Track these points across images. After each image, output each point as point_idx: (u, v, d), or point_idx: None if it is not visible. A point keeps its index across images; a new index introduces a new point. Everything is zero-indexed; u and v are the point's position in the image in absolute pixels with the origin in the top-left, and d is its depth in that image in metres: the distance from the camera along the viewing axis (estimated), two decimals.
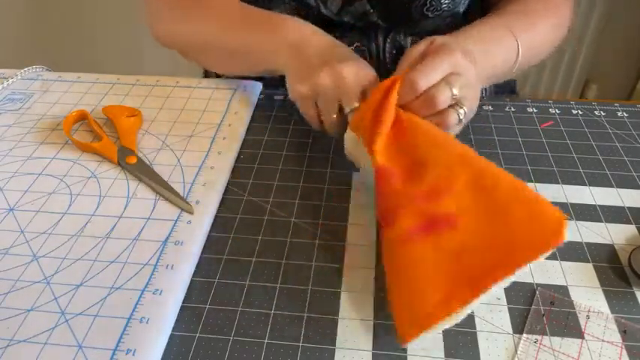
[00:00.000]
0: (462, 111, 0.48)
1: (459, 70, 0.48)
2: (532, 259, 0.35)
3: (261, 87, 0.65)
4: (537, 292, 0.41)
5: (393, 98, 0.46)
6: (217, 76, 0.78)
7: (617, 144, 0.56)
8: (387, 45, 0.67)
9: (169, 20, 0.66)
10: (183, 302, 0.41)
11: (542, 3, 0.62)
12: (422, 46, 0.50)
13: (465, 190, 0.40)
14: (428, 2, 0.62)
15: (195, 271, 0.44)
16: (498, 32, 0.56)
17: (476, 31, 0.56)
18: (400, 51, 0.67)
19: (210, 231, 0.47)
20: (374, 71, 0.52)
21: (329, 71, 0.50)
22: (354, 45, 0.67)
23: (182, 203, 0.48)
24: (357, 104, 0.49)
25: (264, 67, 0.58)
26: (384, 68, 0.68)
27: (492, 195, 0.39)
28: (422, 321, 0.35)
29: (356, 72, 0.50)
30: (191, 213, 0.47)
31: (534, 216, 0.37)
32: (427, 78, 0.46)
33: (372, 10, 0.63)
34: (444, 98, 0.46)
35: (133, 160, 0.53)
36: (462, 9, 0.67)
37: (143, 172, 0.51)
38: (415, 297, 0.36)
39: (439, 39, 0.50)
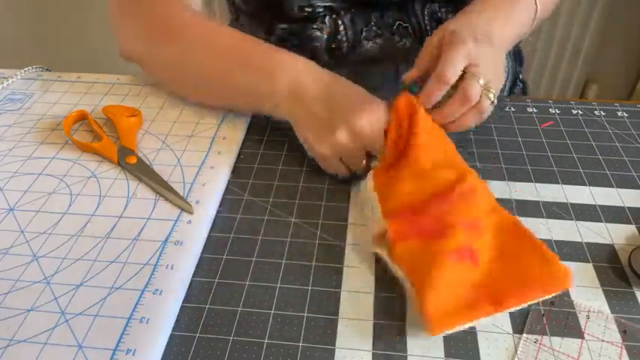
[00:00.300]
0: (491, 95, 0.50)
1: (476, 61, 0.49)
2: (541, 297, 0.40)
3: None
4: None
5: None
6: None
7: (617, 144, 0.56)
8: (426, 18, 0.68)
9: (145, 42, 0.59)
10: (183, 302, 0.41)
11: None
12: (436, 37, 0.51)
13: (489, 232, 0.43)
14: None
15: (195, 271, 0.44)
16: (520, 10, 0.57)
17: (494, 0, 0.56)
18: (439, 23, 0.68)
19: (210, 231, 0.47)
20: (382, 104, 0.51)
21: (345, 128, 0.49)
22: (397, 23, 0.67)
23: (182, 203, 0.48)
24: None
25: (258, 109, 0.55)
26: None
27: (510, 239, 0.43)
28: (454, 317, 0.38)
29: (369, 120, 0.49)
30: (191, 213, 0.47)
31: (545, 264, 0.40)
32: (447, 77, 0.48)
33: None
34: (475, 92, 0.48)
35: (133, 160, 0.53)
36: None
37: (143, 172, 0.51)
38: (449, 298, 0.39)
39: (451, 26, 0.51)
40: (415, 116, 0.49)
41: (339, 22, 0.67)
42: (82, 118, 0.59)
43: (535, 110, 0.61)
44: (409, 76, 0.52)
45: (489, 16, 0.54)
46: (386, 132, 0.49)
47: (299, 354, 0.38)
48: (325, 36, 0.68)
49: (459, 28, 0.51)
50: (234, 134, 0.57)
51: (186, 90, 0.61)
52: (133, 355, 0.37)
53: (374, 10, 0.67)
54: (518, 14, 0.56)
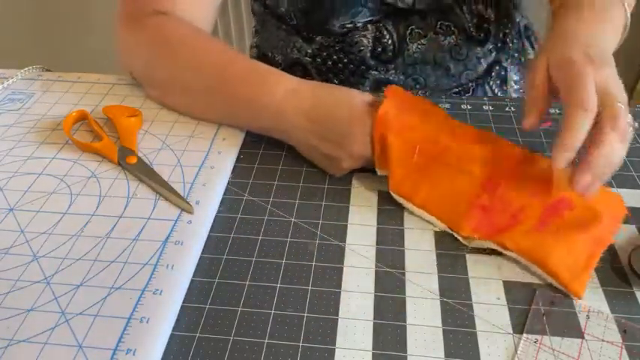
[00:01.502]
0: (630, 119, 0.43)
1: (604, 86, 0.43)
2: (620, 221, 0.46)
3: None
4: (537, 292, 0.41)
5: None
6: None
7: None
8: (467, 15, 0.68)
9: (148, 57, 0.60)
10: (183, 302, 0.41)
11: None
12: (540, 73, 0.46)
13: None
14: None
15: (195, 271, 0.44)
16: (607, 8, 0.51)
17: (586, 13, 0.50)
18: (482, 19, 0.68)
19: (210, 231, 0.47)
20: (366, 106, 0.50)
21: (347, 158, 0.50)
22: (439, 23, 0.67)
23: (182, 203, 0.48)
24: None
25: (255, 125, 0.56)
26: (470, 40, 0.69)
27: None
28: (585, 270, 0.42)
29: (365, 136, 0.49)
30: (191, 213, 0.47)
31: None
32: (590, 104, 0.42)
33: None
34: (623, 120, 0.42)
35: (133, 160, 0.53)
36: None
37: (143, 172, 0.51)
38: (570, 256, 0.43)
39: (557, 52, 0.46)
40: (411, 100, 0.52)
41: (382, 27, 0.68)
42: (82, 118, 0.59)
43: None
44: (530, 123, 0.47)
45: (592, 33, 0.48)
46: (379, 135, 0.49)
47: (299, 354, 0.38)
48: (370, 42, 0.68)
49: (567, 53, 0.45)
50: (235, 134, 0.57)
51: (181, 106, 0.60)
52: (133, 355, 0.37)
53: (414, 14, 0.67)
54: (615, 24, 0.51)
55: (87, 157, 0.54)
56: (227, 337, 0.39)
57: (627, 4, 0.53)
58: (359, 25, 0.67)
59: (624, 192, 0.50)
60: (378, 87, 0.71)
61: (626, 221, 0.47)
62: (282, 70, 0.55)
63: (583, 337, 0.38)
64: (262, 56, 0.79)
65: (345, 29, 0.68)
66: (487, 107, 0.61)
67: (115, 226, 0.47)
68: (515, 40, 0.75)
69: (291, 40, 0.73)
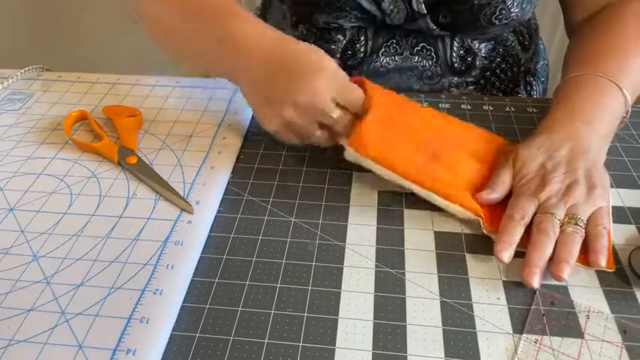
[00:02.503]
0: (578, 221, 0.44)
1: (551, 193, 0.45)
2: None
3: None
4: (537, 292, 0.41)
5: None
6: None
7: (617, 144, 0.56)
8: (455, 45, 0.67)
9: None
10: (183, 302, 0.41)
11: (635, 19, 0.58)
12: (507, 173, 0.48)
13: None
14: (497, 11, 0.61)
15: (195, 271, 0.44)
16: (601, 94, 0.52)
17: (578, 105, 0.51)
18: (469, 51, 0.67)
19: (210, 231, 0.47)
20: (330, 70, 0.48)
21: (290, 105, 0.48)
22: (420, 45, 0.67)
23: (182, 203, 0.48)
24: (335, 113, 0.48)
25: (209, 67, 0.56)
26: (450, 69, 0.68)
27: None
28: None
29: (312, 91, 0.47)
30: (191, 213, 0.47)
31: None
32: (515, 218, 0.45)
33: (434, 28, 0.64)
34: (548, 226, 0.44)
35: (133, 160, 0.53)
36: (528, 16, 0.67)
37: (143, 172, 0.51)
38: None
39: (523, 152, 0.49)
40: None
41: (362, 32, 0.67)
42: (82, 118, 0.59)
43: (535, 110, 0.61)
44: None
45: (574, 134, 0.49)
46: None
47: (299, 354, 0.38)
48: (344, 42, 0.68)
49: (530, 157, 0.48)
50: (235, 134, 0.57)
51: (169, 47, 0.58)
52: (133, 355, 0.37)
53: (400, 34, 0.67)
54: (607, 115, 0.51)
55: (87, 157, 0.54)
56: (227, 337, 0.39)
57: (627, 92, 0.52)
58: (345, 28, 0.67)
59: (624, 192, 0.50)
60: None
61: (626, 221, 0.47)
62: None
63: (583, 337, 0.38)
64: None
65: (331, 27, 0.67)
66: (487, 107, 0.61)
67: (115, 226, 0.47)
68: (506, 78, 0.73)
69: (284, 22, 0.73)
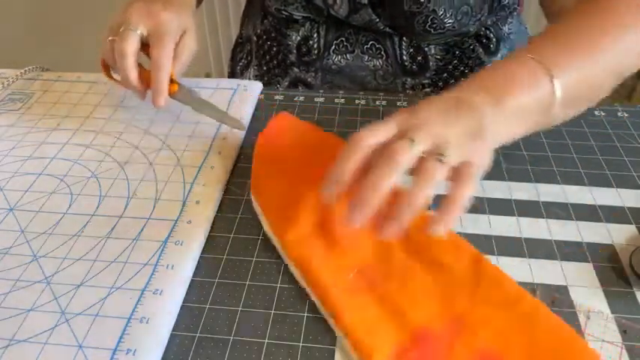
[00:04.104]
0: (442, 157, 0.37)
1: (413, 123, 0.38)
2: None
3: (261, 87, 0.65)
4: (537, 292, 0.41)
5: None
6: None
7: (617, 144, 0.56)
8: (404, 44, 0.67)
9: None
10: (183, 302, 0.41)
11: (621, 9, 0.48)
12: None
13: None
14: (430, 20, 0.61)
15: (195, 271, 0.44)
16: (520, 71, 0.44)
17: (487, 74, 0.44)
18: (419, 51, 0.67)
19: (210, 231, 0.47)
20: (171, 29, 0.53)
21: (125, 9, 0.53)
22: (370, 43, 0.67)
23: (232, 121, 0.55)
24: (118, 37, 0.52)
25: None
26: (402, 69, 0.68)
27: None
28: None
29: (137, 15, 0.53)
30: (243, 129, 0.55)
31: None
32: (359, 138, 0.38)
33: (377, 20, 0.63)
34: (399, 146, 0.37)
35: (174, 88, 0.55)
36: (472, 29, 0.65)
37: (187, 98, 0.55)
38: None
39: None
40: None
41: (315, 28, 0.68)
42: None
43: None
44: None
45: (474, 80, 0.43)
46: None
47: (299, 354, 0.38)
48: (298, 38, 0.69)
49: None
50: (235, 134, 0.57)
51: None
52: (133, 355, 0.37)
53: (350, 29, 0.66)
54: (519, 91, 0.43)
55: (87, 157, 0.54)
56: (227, 337, 0.39)
57: (558, 81, 0.43)
58: (297, 17, 0.67)
59: (624, 192, 0.50)
60: (295, 85, 0.72)
61: (626, 221, 0.47)
62: (241, 43, 0.64)
63: (583, 337, 0.38)
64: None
65: (282, 15, 0.68)
66: None
67: (115, 226, 0.47)
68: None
69: (255, 20, 0.75)
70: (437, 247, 0.42)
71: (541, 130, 0.47)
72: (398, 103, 0.62)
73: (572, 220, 0.48)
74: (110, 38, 0.54)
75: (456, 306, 0.39)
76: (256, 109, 0.62)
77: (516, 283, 0.40)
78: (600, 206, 0.49)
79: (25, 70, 0.67)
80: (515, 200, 0.50)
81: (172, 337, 0.39)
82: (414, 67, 0.67)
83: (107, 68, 0.59)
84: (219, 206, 0.50)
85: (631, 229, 0.47)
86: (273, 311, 0.41)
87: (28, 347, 0.38)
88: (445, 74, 0.68)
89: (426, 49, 0.67)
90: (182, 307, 0.41)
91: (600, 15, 0.49)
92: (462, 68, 0.69)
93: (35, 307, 0.40)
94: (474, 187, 0.37)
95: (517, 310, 0.38)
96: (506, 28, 0.71)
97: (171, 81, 0.54)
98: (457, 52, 0.68)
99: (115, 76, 0.58)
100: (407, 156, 0.36)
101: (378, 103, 0.62)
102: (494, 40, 0.69)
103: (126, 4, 0.55)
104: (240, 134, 0.57)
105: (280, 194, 0.46)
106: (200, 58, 1.50)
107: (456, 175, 0.38)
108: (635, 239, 0.46)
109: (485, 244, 0.45)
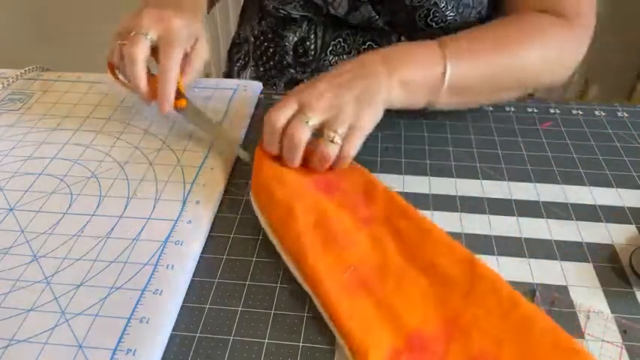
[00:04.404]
0: (334, 137, 0.46)
1: (308, 100, 0.47)
2: None
3: (261, 87, 0.65)
4: (537, 292, 0.41)
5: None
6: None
7: (617, 144, 0.56)
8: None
9: None
10: (183, 302, 0.41)
11: (531, 24, 0.56)
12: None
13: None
14: (431, 13, 0.61)
15: (195, 271, 0.44)
16: (422, 51, 0.52)
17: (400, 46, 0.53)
18: None
19: (210, 231, 0.47)
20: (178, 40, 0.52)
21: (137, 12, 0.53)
22: (367, 44, 0.66)
23: (238, 150, 0.53)
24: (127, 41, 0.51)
25: None
26: None
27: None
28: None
29: (151, 20, 0.52)
30: (247, 162, 0.52)
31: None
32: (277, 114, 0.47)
33: (377, 17, 0.63)
34: (297, 131, 0.46)
35: (182, 103, 0.54)
36: (472, 20, 0.65)
37: (193, 115, 0.54)
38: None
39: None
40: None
41: (313, 29, 0.67)
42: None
43: (535, 110, 0.61)
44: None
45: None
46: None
47: (299, 354, 0.38)
48: (295, 39, 0.68)
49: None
50: (235, 135, 0.57)
51: None
52: (133, 355, 0.37)
53: (347, 29, 0.66)
54: (414, 67, 0.51)
55: (87, 157, 0.54)
56: (227, 337, 0.39)
57: (450, 66, 0.51)
58: (295, 16, 0.67)
59: (624, 192, 0.50)
60: (292, 86, 0.71)
61: (626, 221, 0.47)
62: (238, 44, 0.65)
63: (583, 337, 0.38)
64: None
65: (280, 14, 0.68)
66: (487, 107, 0.61)
67: (114, 226, 0.47)
68: None
69: (254, 19, 0.75)
70: (432, 249, 0.42)
71: (429, 107, 0.54)
72: None
73: (572, 220, 0.48)
74: (119, 42, 0.53)
75: (451, 308, 0.39)
76: (256, 109, 0.62)
77: (511, 287, 0.39)
78: (600, 206, 0.49)
79: (25, 70, 0.67)
80: (515, 200, 0.50)
81: (172, 337, 0.39)
82: None
83: (113, 69, 0.59)
84: (219, 206, 0.50)
85: (631, 229, 0.47)
86: (273, 311, 0.41)
87: (28, 347, 0.38)
88: None
89: None
90: (182, 307, 0.41)
91: (523, 24, 0.56)
92: None
93: (35, 307, 0.40)
94: (355, 150, 0.47)
95: (513, 314, 0.38)
96: None
97: (180, 95, 0.53)
98: None
99: (120, 77, 0.58)
100: (304, 135, 0.46)
101: None
102: None
103: (137, 9, 0.54)
104: (241, 134, 0.57)
105: (278, 195, 0.46)
106: None
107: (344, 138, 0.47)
108: (635, 239, 0.46)
109: (485, 244, 0.45)
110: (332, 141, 0.46)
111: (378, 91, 0.49)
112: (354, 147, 0.47)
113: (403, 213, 0.45)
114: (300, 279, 0.42)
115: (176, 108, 0.53)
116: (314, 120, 0.46)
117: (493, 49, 0.54)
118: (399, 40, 0.66)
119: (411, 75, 0.51)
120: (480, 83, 0.54)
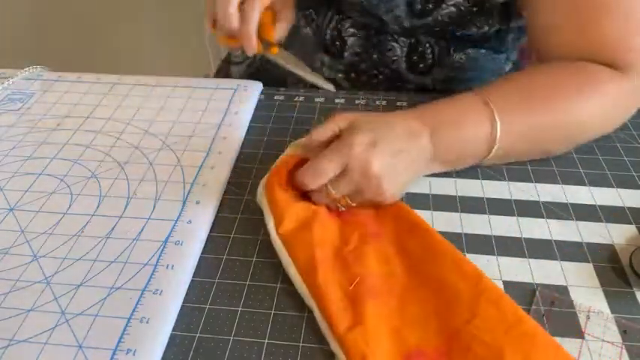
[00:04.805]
0: (344, 203, 0.46)
1: (352, 166, 0.44)
2: None
3: (261, 87, 0.65)
4: (537, 292, 0.41)
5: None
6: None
7: (617, 144, 0.56)
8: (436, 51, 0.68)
9: None
10: (183, 302, 0.41)
11: (576, 75, 0.50)
12: (329, 128, 0.47)
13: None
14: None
15: (195, 271, 0.44)
16: (469, 112, 0.48)
17: (440, 106, 0.49)
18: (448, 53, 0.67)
19: (210, 231, 0.47)
20: None
21: None
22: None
23: (325, 85, 0.60)
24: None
25: None
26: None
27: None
28: None
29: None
30: (332, 90, 0.60)
31: None
32: (315, 180, 0.45)
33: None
34: (318, 199, 0.46)
35: (274, 51, 0.59)
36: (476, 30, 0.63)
37: (285, 60, 0.60)
38: None
39: (349, 120, 0.47)
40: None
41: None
42: None
43: None
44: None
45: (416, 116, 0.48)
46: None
47: (299, 354, 0.38)
48: (405, 49, 0.67)
49: (357, 124, 0.46)
50: (235, 134, 0.57)
51: None
52: (133, 355, 0.37)
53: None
54: (458, 134, 0.48)
55: (87, 157, 0.54)
56: (227, 337, 0.39)
57: (500, 122, 0.47)
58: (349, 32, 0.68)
59: (624, 192, 0.50)
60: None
61: (626, 221, 0.47)
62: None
63: (583, 337, 0.38)
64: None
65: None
66: None
67: (114, 226, 0.47)
68: None
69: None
70: (439, 265, 0.42)
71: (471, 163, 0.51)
72: (398, 103, 0.62)
73: (572, 220, 0.48)
74: None
75: (454, 324, 0.38)
76: (256, 109, 0.62)
77: (516, 304, 0.39)
78: (600, 206, 0.49)
79: (25, 70, 0.67)
80: (515, 200, 0.50)
81: (172, 337, 0.39)
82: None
83: (214, 24, 0.60)
84: (219, 206, 0.50)
85: (631, 229, 0.47)
86: (273, 311, 0.41)
87: (28, 347, 0.38)
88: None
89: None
90: (182, 307, 0.41)
91: (579, 77, 0.50)
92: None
93: (35, 307, 0.40)
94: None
95: (515, 332, 0.37)
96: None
97: (272, 44, 0.59)
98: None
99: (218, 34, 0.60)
100: (320, 201, 0.46)
101: (378, 102, 0.62)
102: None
103: None
104: (241, 135, 0.57)
105: (293, 202, 0.46)
106: (200, 58, 1.51)
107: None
108: (635, 239, 0.46)
109: (485, 244, 0.45)
110: (341, 205, 0.46)
111: (416, 170, 0.48)
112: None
113: (412, 228, 0.45)
114: (301, 287, 0.41)
115: (269, 54, 0.60)
116: (341, 193, 0.45)
117: (544, 107, 0.49)
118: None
119: (456, 154, 0.49)
120: (527, 150, 0.51)
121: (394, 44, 0.67)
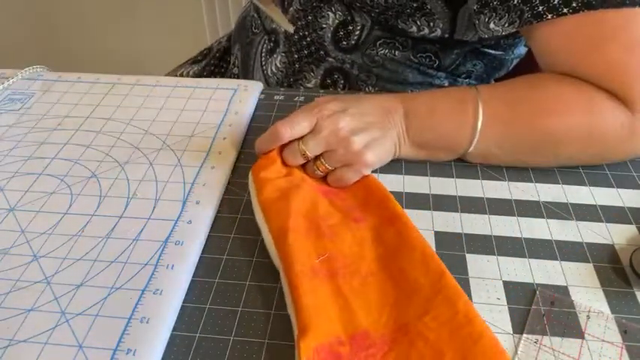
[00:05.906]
0: (323, 169, 0.49)
1: (321, 124, 0.48)
2: None
3: (261, 87, 0.65)
4: (537, 292, 0.41)
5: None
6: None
7: None
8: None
9: None
10: (183, 302, 0.41)
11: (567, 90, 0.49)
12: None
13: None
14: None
15: (195, 271, 0.44)
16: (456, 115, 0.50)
17: (423, 94, 0.52)
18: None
19: (210, 231, 0.47)
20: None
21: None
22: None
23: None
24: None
25: None
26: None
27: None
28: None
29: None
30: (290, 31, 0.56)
31: None
32: (286, 129, 0.48)
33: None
34: (291, 155, 0.49)
35: None
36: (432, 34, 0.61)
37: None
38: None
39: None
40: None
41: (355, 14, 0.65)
42: None
43: None
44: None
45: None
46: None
47: None
48: (336, 21, 0.66)
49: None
50: (235, 134, 0.57)
51: None
52: (133, 355, 0.37)
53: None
54: (440, 122, 0.50)
55: (87, 157, 0.54)
56: (227, 337, 0.39)
57: (483, 108, 0.49)
58: None
59: (624, 192, 0.50)
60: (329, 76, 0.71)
61: (626, 221, 0.47)
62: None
63: (583, 337, 0.39)
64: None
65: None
66: None
67: (114, 226, 0.47)
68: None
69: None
70: (408, 257, 0.42)
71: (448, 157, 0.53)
72: None
73: (573, 220, 0.48)
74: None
75: (406, 317, 0.39)
76: (256, 109, 0.62)
77: (472, 305, 0.39)
78: (600, 206, 0.49)
79: (25, 70, 0.67)
80: (515, 200, 0.50)
81: (172, 337, 0.39)
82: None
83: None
84: (219, 206, 0.50)
85: (631, 229, 0.47)
86: (273, 311, 0.41)
87: (28, 347, 0.38)
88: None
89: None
90: (182, 307, 0.41)
91: (570, 89, 0.49)
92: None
93: (35, 307, 0.40)
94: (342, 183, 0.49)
95: (460, 333, 0.37)
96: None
97: None
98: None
99: None
100: (295, 162, 0.49)
101: None
102: None
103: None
104: (241, 134, 0.57)
105: (280, 181, 0.48)
106: None
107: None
108: (635, 239, 0.46)
109: (485, 244, 0.45)
110: (318, 169, 0.49)
111: (390, 143, 0.50)
112: (344, 180, 0.49)
113: (393, 219, 0.45)
114: (274, 255, 0.42)
115: None
116: (313, 152, 0.48)
117: (524, 123, 0.49)
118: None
119: (429, 139, 0.51)
120: (502, 158, 0.52)
121: (329, 13, 0.65)
